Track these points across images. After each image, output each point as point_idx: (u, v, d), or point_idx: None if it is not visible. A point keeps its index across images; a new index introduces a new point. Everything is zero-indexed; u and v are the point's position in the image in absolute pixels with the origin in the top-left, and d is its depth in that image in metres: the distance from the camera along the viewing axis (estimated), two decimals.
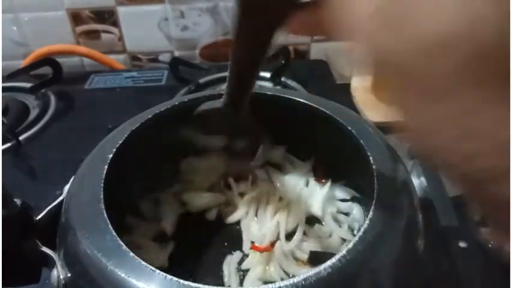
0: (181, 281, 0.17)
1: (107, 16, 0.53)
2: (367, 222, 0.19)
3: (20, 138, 0.42)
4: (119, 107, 0.47)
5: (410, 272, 0.20)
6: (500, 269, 0.31)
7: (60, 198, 0.22)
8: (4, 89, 0.50)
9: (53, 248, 0.20)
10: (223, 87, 0.53)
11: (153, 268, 0.17)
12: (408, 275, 0.20)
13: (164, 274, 0.17)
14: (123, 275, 0.17)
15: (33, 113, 0.47)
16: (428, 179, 0.36)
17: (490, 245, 0.32)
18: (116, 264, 0.17)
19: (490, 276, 0.31)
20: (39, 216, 0.22)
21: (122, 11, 0.53)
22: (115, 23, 0.54)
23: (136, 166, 0.27)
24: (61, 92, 0.50)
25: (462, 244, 0.29)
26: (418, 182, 0.37)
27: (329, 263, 0.17)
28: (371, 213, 0.19)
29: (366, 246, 0.18)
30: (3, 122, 0.42)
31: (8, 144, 0.41)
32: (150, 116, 0.26)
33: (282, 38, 0.59)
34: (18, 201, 0.21)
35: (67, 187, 0.23)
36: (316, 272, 0.17)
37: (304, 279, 0.16)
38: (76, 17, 0.53)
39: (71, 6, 0.53)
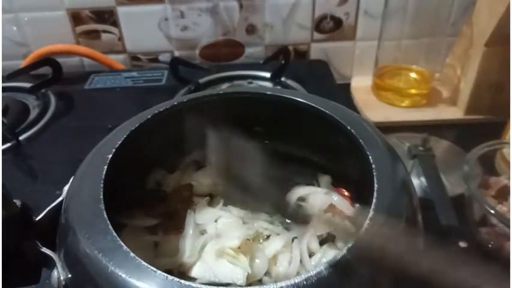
0: (182, 281, 0.17)
1: (107, 16, 0.53)
2: (367, 222, 0.19)
3: (20, 138, 0.42)
4: (119, 107, 0.47)
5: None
6: (499, 268, 0.31)
7: (60, 198, 0.22)
8: (4, 89, 0.50)
9: (53, 249, 0.20)
10: (223, 87, 0.53)
11: (154, 268, 0.17)
12: (408, 274, 0.20)
13: (166, 275, 0.17)
14: (124, 275, 0.17)
15: (33, 113, 0.47)
16: (428, 179, 0.36)
17: (489, 245, 0.32)
18: (117, 265, 0.17)
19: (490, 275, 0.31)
20: (39, 217, 0.22)
21: (122, 11, 0.53)
22: (115, 23, 0.54)
23: (134, 167, 0.27)
24: (61, 92, 0.50)
25: (462, 244, 0.29)
26: (418, 182, 0.38)
27: (330, 262, 0.17)
28: (370, 212, 0.19)
29: (367, 245, 0.18)
30: (3, 122, 0.42)
31: (8, 144, 0.41)
32: (149, 116, 0.26)
33: (282, 37, 0.59)
34: (18, 202, 0.21)
35: (66, 187, 0.23)
36: (317, 272, 0.17)
37: (306, 279, 0.16)
38: (76, 17, 0.53)
39: (71, 6, 0.53)
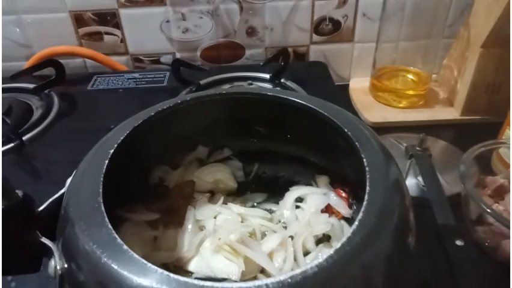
0: (171, 274, 0.17)
1: (109, 18, 0.54)
2: (356, 223, 0.19)
3: (24, 138, 0.42)
4: (121, 107, 0.47)
5: (401, 271, 0.20)
6: (496, 266, 0.31)
7: (62, 190, 0.23)
8: (8, 90, 0.51)
9: (53, 239, 0.21)
10: (224, 87, 0.54)
11: (145, 261, 0.17)
12: (399, 274, 0.20)
13: (156, 268, 0.17)
14: (116, 267, 0.17)
15: (37, 114, 0.47)
16: (425, 179, 0.36)
17: (486, 243, 0.32)
18: (110, 257, 0.18)
19: (486, 273, 0.31)
20: (41, 208, 0.22)
21: (124, 13, 0.54)
22: (118, 25, 0.55)
23: (137, 162, 0.28)
24: (64, 92, 0.50)
25: (458, 242, 0.30)
26: (415, 181, 0.38)
27: (315, 262, 0.17)
28: (360, 214, 0.19)
29: (354, 247, 0.18)
30: (7, 123, 0.42)
31: (12, 145, 0.41)
32: (153, 114, 0.27)
33: (282, 39, 0.60)
34: (20, 192, 0.21)
35: (68, 180, 0.23)
36: (302, 271, 0.17)
37: (291, 277, 0.16)
38: (79, 19, 0.54)
39: (74, 9, 0.53)
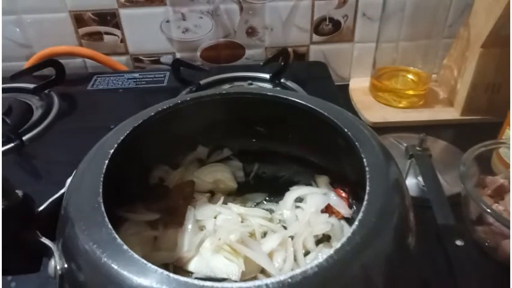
0: (171, 274, 0.17)
1: (109, 18, 0.54)
2: (356, 223, 0.19)
3: (24, 138, 0.42)
4: (121, 107, 0.48)
5: (401, 271, 0.20)
6: (496, 266, 0.31)
7: (62, 190, 0.23)
8: (8, 90, 0.51)
9: (53, 239, 0.21)
10: (224, 87, 0.54)
11: (145, 261, 0.17)
12: (399, 274, 0.20)
13: (155, 267, 0.17)
14: (116, 267, 0.17)
15: (37, 114, 0.47)
16: (425, 179, 0.36)
17: (486, 243, 0.32)
18: (110, 257, 0.18)
19: (486, 273, 0.31)
20: (41, 208, 0.22)
21: (124, 13, 0.54)
22: (118, 25, 0.55)
23: (137, 162, 0.28)
24: (64, 92, 0.50)
25: (458, 242, 0.30)
26: (415, 181, 0.38)
27: (315, 262, 0.17)
28: (360, 214, 0.19)
29: (354, 247, 0.18)
30: (7, 123, 0.42)
31: (12, 145, 0.41)
32: (153, 114, 0.27)
33: (282, 39, 0.60)
34: (20, 192, 0.21)
35: (68, 180, 0.23)
36: (302, 271, 0.17)
37: (291, 277, 0.17)
38: (79, 19, 0.54)
39: (74, 8, 0.53)
